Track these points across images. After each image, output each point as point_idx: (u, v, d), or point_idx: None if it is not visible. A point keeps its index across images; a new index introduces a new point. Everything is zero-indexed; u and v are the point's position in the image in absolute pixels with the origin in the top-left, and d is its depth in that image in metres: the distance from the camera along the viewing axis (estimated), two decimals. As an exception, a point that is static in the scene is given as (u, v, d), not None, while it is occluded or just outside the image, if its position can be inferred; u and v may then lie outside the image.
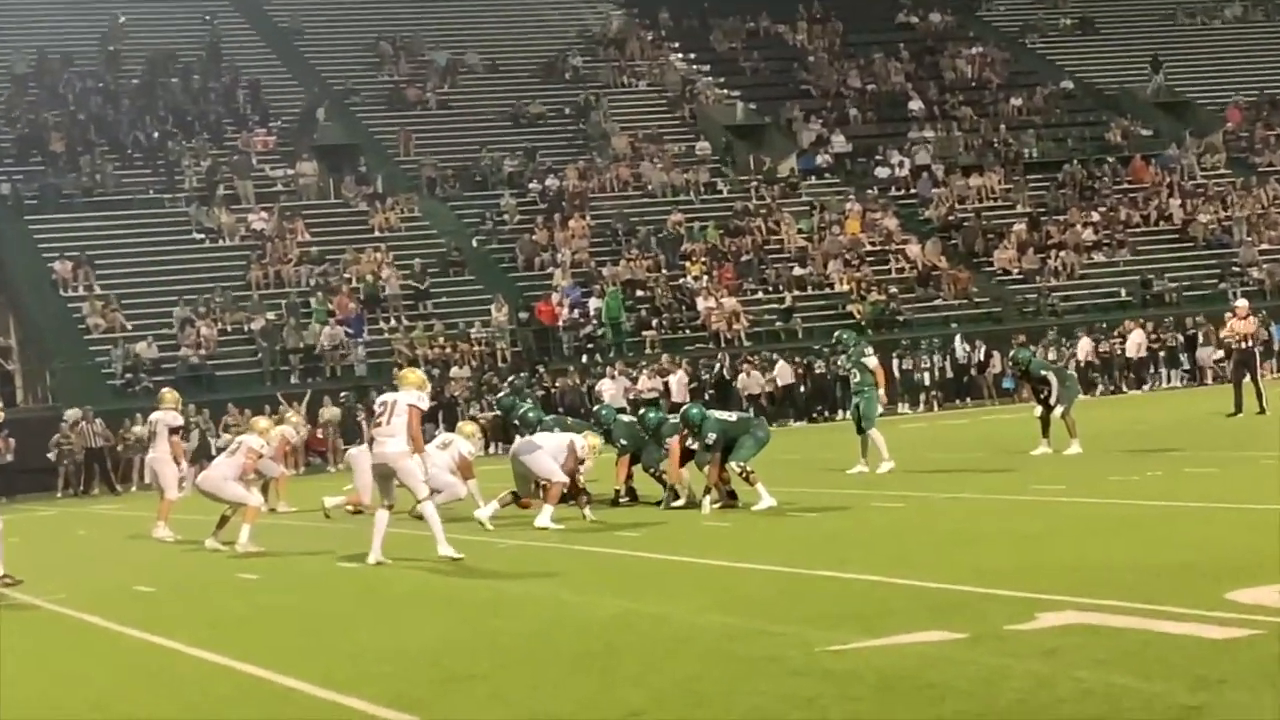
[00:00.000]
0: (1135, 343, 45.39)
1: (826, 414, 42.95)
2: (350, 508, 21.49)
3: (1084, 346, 44.96)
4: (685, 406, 22.06)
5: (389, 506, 15.91)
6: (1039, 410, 24.67)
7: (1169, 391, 44.24)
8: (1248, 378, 29.74)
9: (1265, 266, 50.47)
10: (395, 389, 16.44)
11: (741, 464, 19.00)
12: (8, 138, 51.01)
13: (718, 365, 42.74)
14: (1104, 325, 46.34)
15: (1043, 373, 25.13)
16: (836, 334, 26.10)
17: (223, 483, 19.23)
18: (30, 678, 11.01)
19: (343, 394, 40.19)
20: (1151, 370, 45.96)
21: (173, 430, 21.69)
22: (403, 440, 15.51)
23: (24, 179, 48.51)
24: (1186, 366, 45.98)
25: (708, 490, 19.26)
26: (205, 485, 19.73)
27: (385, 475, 15.79)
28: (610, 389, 39.31)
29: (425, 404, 16.28)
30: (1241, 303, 32.66)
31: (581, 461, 19.24)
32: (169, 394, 22.76)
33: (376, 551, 15.65)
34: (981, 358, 45.01)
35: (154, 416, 22.41)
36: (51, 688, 10.54)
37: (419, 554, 16.01)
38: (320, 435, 39.60)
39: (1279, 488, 16.80)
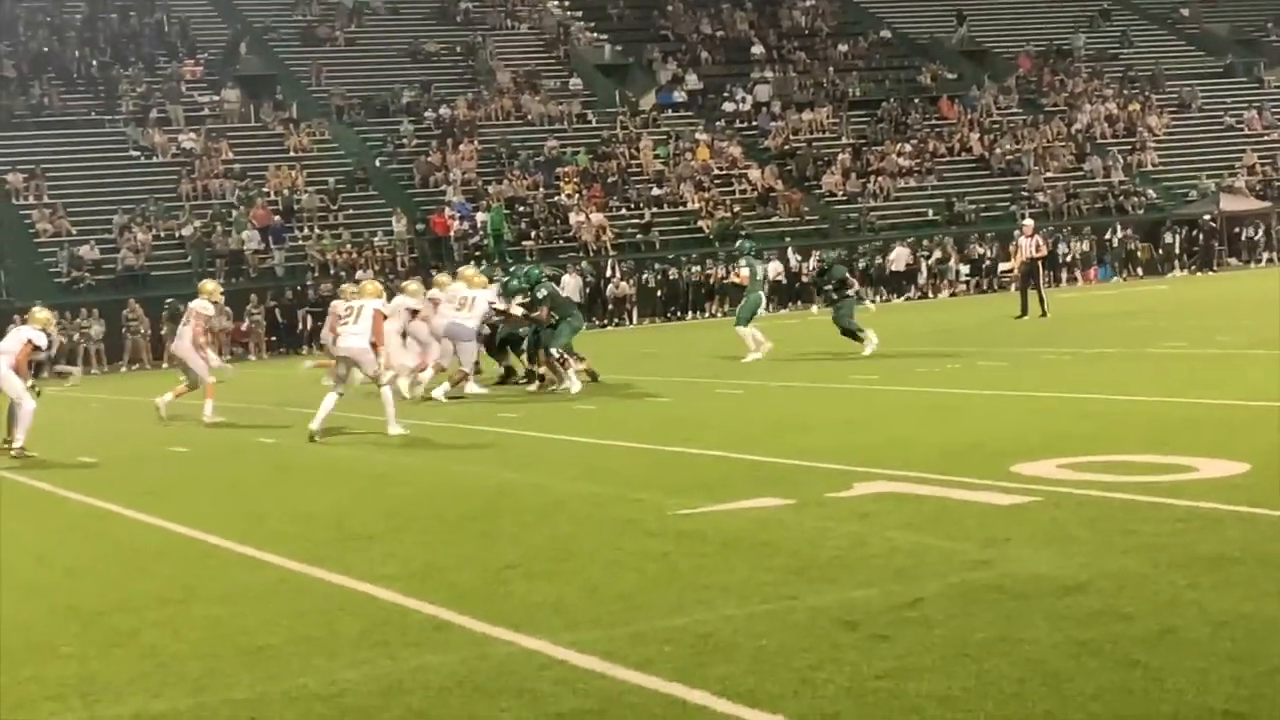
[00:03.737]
0: (896, 256, 45.67)
1: (679, 314, 42.99)
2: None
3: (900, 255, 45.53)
4: (528, 267, 21.82)
5: (341, 393, 15.98)
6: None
7: (965, 297, 44.78)
8: (1033, 285, 30.16)
9: (1049, 191, 51.04)
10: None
11: (559, 349, 19.30)
12: (-36, 64, 49.58)
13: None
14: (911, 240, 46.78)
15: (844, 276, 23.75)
16: (740, 242, 25.37)
17: (191, 353, 19.18)
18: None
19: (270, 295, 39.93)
20: (926, 279, 46.21)
21: (201, 317, 19.75)
22: (364, 338, 15.65)
23: (-21, 101, 47.24)
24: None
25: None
26: (177, 352, 19.79)
27: (349, 364, 15.90)
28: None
29: (387, 309, 16.61)
30: (1028, 222, 32.97)
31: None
32: (209, 283, 21.05)
33: (319, 421, 15.61)
34: (812, 266, 45.13)
35: (191, 304, 20.26)
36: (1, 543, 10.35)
37: (328, 431, 15.88)
38: (244, 328, 39.10)
39: (1056, 379, 17.06)
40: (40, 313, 17.19)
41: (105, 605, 7.81)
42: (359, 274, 41.21)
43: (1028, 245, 30.46)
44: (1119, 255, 48.58)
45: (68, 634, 7.22)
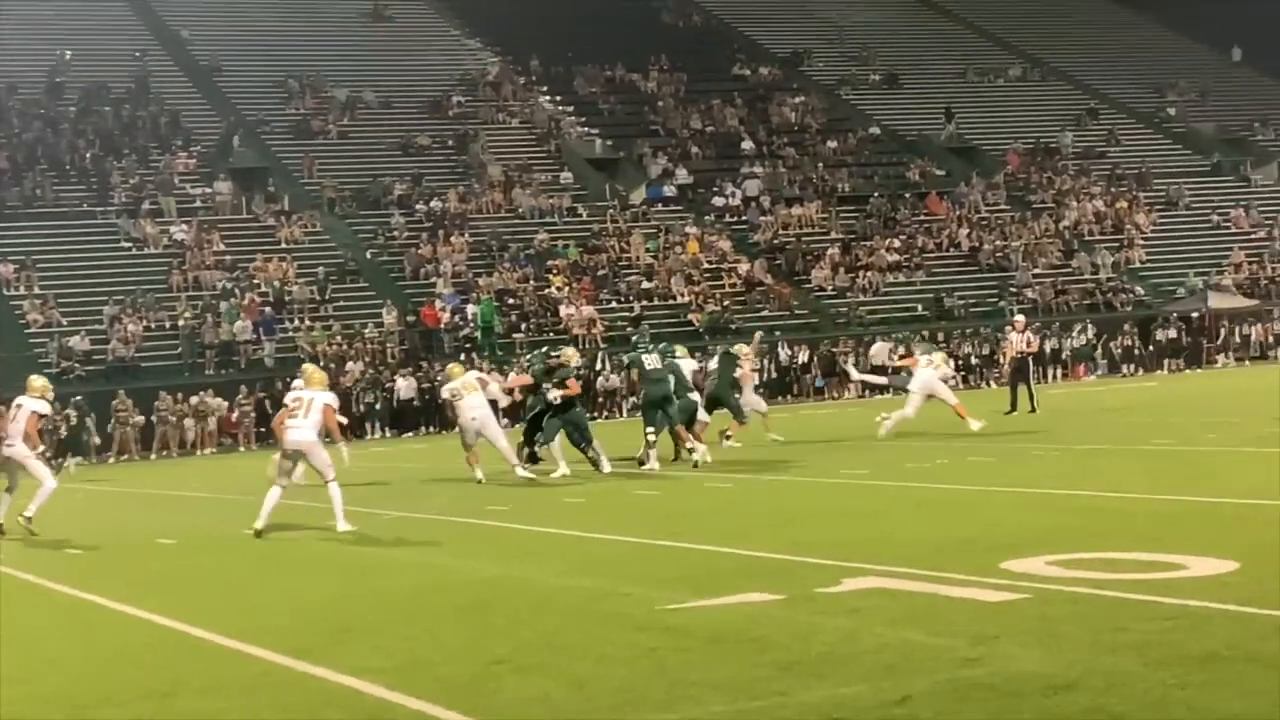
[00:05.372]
0: (876, 352, 45.46)
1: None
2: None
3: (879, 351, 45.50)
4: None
5: (285, 486, 15.76)
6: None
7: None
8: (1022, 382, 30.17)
9: (1038, 287, 51.29)
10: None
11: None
12: (-42, 155, 49.82)
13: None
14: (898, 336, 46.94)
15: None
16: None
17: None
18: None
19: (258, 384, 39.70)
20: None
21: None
22: (313, 430, 15.47)
23: (-28, 191, 47.45)
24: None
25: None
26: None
27: (296, 458, 15.73)
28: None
29: (337, 402, 16.25)
30: (1019, 318, 33.11)
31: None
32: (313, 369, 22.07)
33: (263, 519, 15.32)
34: (803, 360, 45.26)
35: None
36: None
37: (312, 523, 15.85)
38: (234, 419, 39.05)
39: (1046, 474, 17.07)
40: (36, 380, 17.57)
41: (89, 697, 7.77)
42: (349, 366, 41.33)
43: (1018, 340, 30.56)
44: (1085, 354, 48.31)
45: (52, 727, 7.18)
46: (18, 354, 40.77)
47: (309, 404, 15.60)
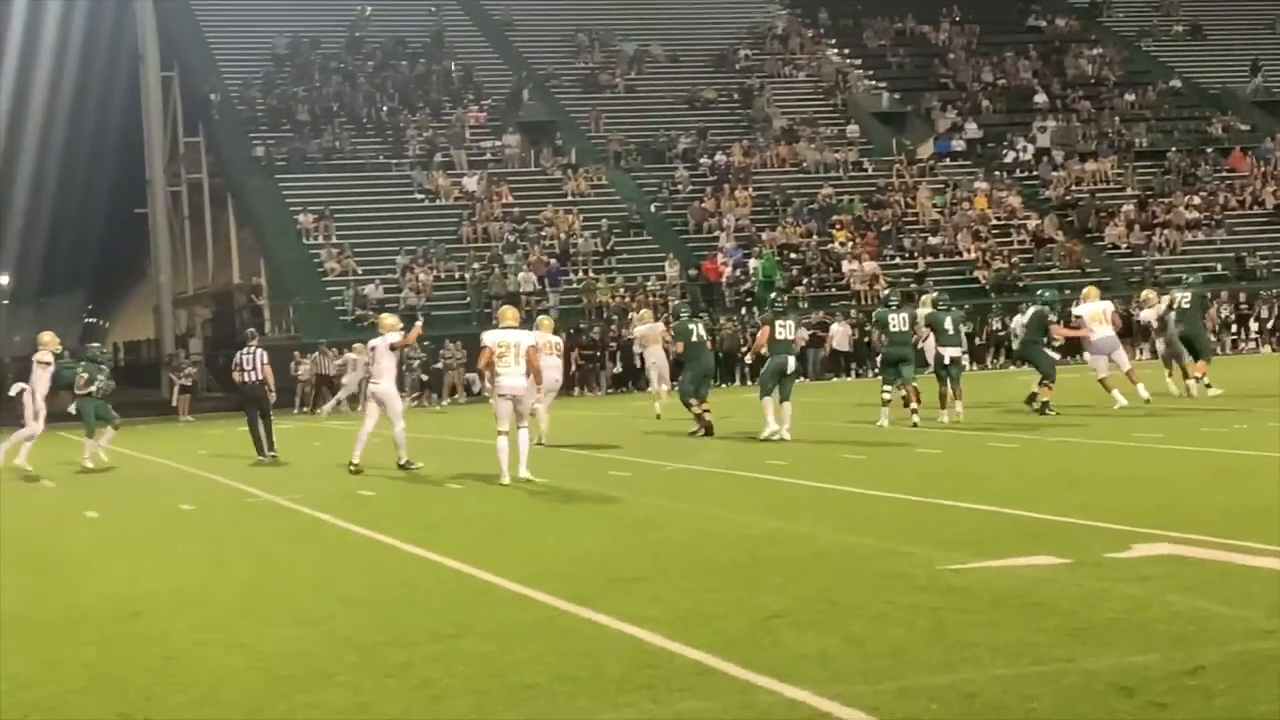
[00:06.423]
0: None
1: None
2: None
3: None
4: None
5: (508, 432, 15.81)
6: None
7: (1249, 355, 43.10)
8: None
9: (1347, 248, 48.99)
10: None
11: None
12: (263, 108, 51.86)
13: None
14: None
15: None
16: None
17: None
18: (261, 563, 11.22)
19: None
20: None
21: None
22: (525, 376, 15.74)
23: (275, 143, 49.35)
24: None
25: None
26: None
27: (512, 402, 15.79)
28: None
29: (537, 341, 16.74)
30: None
31: None
32: (545, 320, 23.25)
33: (506, 473, 15.71)
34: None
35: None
36: (278, 572, 10.73)
37: (587, 475, 16.07)
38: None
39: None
40: (388, 318, 19.28)
41: (380, 637, 8.04)
42: (632, 314, 41.74)
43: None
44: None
45: (344, 663, 7.46)
46: (316, 301, 42.44)
47: (517, 348, 15.71)
